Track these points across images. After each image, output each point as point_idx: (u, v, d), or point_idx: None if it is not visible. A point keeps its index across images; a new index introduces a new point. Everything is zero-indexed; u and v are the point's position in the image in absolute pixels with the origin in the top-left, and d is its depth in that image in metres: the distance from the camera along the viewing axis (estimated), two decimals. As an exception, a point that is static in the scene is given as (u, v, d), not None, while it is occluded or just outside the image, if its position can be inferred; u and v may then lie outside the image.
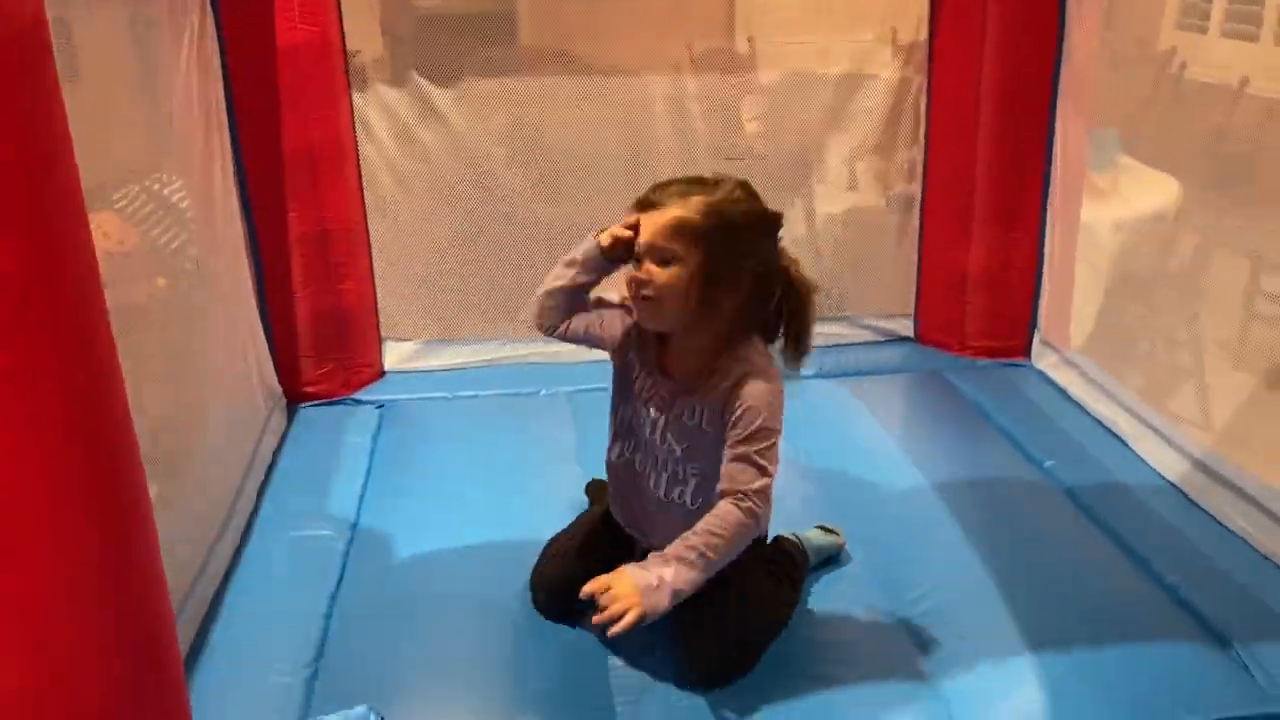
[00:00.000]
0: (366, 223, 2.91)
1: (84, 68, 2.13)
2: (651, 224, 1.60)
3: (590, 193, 3.02)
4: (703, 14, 3.11)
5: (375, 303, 2.98)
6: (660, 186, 1.64)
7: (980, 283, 2.99)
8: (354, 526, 2.24)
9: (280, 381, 2.78)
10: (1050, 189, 2.87)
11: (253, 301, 2.69)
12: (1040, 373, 2.92)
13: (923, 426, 2.74)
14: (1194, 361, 2.60)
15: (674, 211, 1.59)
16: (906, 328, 3.20)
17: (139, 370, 2.06)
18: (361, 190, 2.88)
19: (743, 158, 3.08)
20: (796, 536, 2.02)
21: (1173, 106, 2.98)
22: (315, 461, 2.52)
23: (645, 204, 1.63)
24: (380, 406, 2.82)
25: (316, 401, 2.82)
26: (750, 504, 1.59)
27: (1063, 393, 2.80)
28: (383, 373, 3.00)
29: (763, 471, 1.60)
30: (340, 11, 2.71)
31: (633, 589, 1.52)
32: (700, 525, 1.58)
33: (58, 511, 1.05)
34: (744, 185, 1.65)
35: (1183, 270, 2.70)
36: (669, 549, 1.58)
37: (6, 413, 0.98)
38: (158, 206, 2.35)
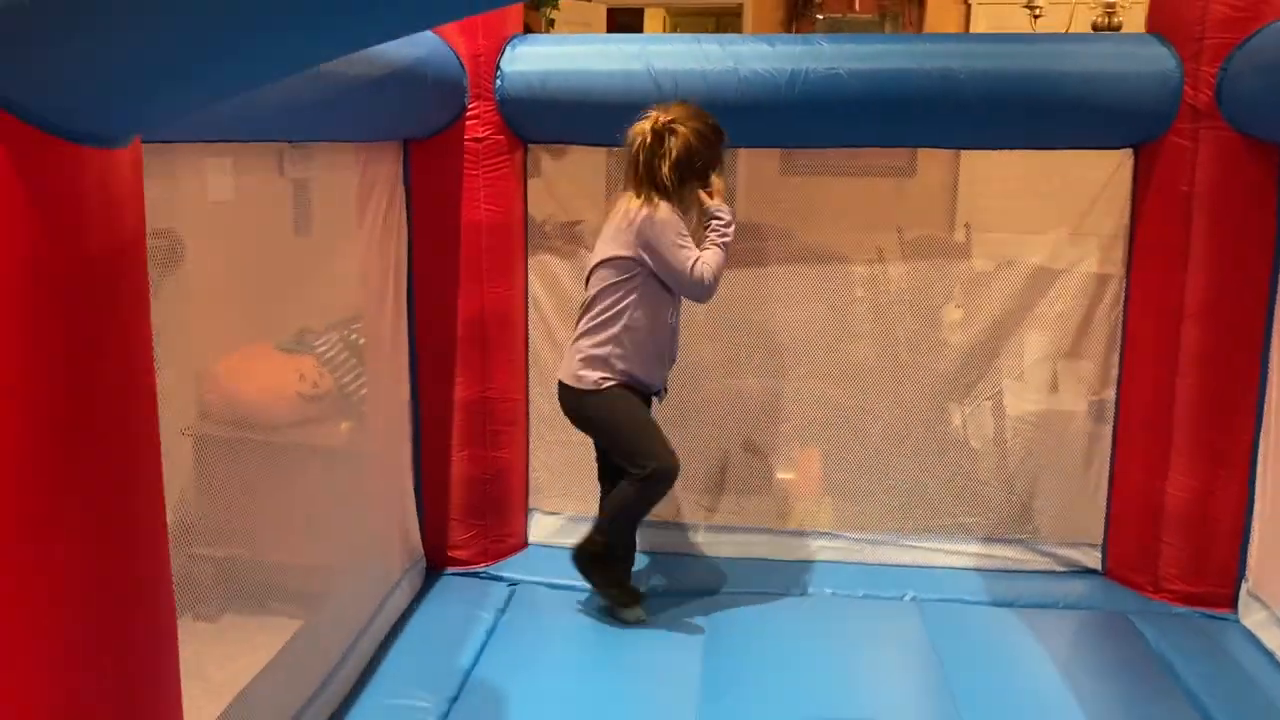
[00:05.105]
0: (528, 392, 2.96)
1: (316, 223, 2.33)
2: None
3: (776, 370, 2.98)
4: (924, 201, 3.03)
5: (526, 474, 2.99)
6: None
7: (1179, 518, 2.64)
8: (453, 701, 2.20)
9: (425, 543, 2.81)
10: (1265, 421, 2.55)
11: (408, 459, 2.77)
12: (1245, 630, 2.52)
13: (1099, 675, 2.39)
14: None
15: None
16: (1092, 559, 2.87)
17: (304, 505, 2.15)
18: (526, 360, 2.95)
19: (936, 345, 2.96)
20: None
21: None
22: (436, 630, 2.51)
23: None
24: (513, 585, 2.78)
25: (457, 570, 2.83)
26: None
27: (1270, 657, 2.40)
28: (526, 544, 2.98)
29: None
30: (526, 197, 2.85)
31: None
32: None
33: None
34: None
35: None
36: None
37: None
38: (351, 355, 2.49)
